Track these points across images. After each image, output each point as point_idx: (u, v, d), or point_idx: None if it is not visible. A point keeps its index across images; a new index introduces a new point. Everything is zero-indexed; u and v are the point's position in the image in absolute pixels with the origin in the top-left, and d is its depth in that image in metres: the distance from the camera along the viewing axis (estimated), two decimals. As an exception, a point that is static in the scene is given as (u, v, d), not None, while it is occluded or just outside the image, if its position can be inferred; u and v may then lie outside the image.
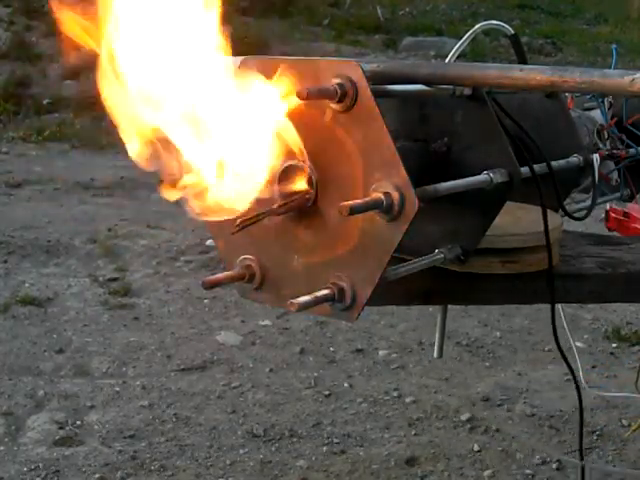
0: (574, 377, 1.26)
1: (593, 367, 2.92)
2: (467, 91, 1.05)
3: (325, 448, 2.39)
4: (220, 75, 0.87)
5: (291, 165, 0.93)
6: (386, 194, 0.87)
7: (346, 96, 0.88)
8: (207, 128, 0.87)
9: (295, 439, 2.43)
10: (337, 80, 0.88)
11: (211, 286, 0.95)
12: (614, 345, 3.10)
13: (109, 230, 4.14)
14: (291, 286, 0.98)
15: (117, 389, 2.67)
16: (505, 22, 1.25)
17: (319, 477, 2.26)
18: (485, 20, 1.30)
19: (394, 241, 0.89)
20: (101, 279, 3.56)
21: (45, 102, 6.64)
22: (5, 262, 3.69)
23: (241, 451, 2.36)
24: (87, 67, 0.88)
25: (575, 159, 1.32)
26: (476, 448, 2.40)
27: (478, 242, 1.10)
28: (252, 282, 1.01)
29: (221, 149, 0.89)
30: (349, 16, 9.54)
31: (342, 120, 0.90)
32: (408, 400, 2.65)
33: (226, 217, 0.89)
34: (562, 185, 1.27)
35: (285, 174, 0.93)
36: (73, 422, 2.47)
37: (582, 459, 1.55)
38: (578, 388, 1.27)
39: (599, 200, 1.44)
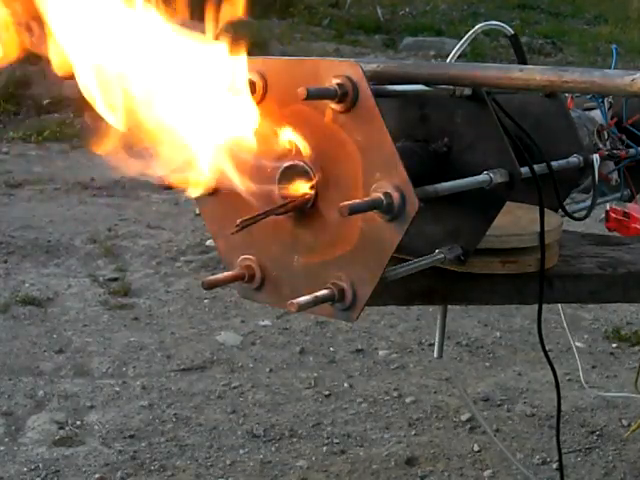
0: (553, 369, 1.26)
1: (593, 367, 2.92)
2: (467, 91, 1.05)
3: (325, 448, 2.39)
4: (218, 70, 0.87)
5: (291, 165, 0.93)
6: (386, 194, 0.87)
7: (346, 96, 0.88)
8: (204, 126, 0.87)
9: (295, 439, 2.43)
10: (337, 80, 0.88)
11: (211, 286, 0.95)
12: (614, 345, 3.10)
13: (109, 230, 4.14)
14: (291, 286, 0.98)
15: (117, 389, 2.67)
16: (505, 22, 1.26)
17: (319, 477, 2.26)
18: (485, 20, 1.30)
19: (394, 241, 0.89)
20: (101, 279, 3.56)
21: (45, 102, 6.63)
22: (5, 262, 3.69)
23: (241, 451, 2.36)
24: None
25: (575, 159, 1.32)
26: (476, 448, 2.40)
27: (478, 242, 1.10)
28: (252, 282, 1.01)
29: (220, 149, 0.89)
30: (349, 16, 9.53)
31: (342, 120, 0.90)
32: (408, 400, 2.65)
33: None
34: (562, 185, 1.27)
35: (285, 174, 0.93)
36: (73, 422, 2.47)
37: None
38: (557, 386, 1.27)
39: (599, 200, 1.44)
